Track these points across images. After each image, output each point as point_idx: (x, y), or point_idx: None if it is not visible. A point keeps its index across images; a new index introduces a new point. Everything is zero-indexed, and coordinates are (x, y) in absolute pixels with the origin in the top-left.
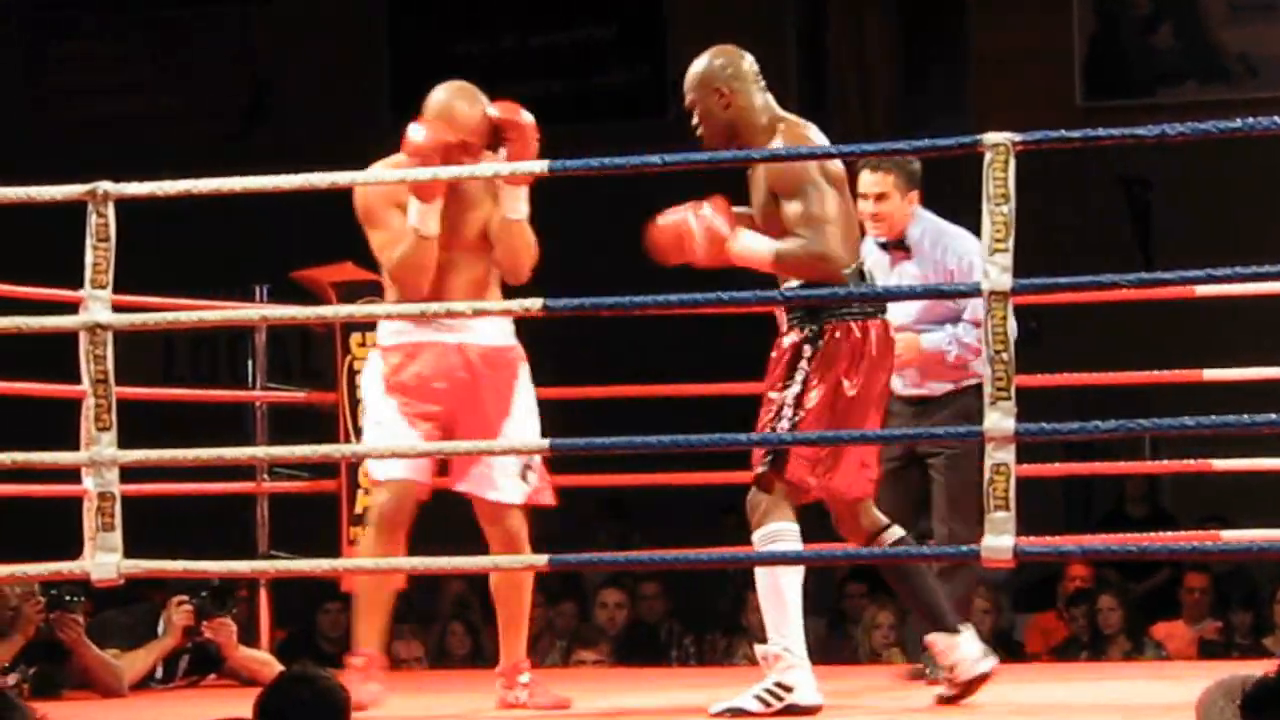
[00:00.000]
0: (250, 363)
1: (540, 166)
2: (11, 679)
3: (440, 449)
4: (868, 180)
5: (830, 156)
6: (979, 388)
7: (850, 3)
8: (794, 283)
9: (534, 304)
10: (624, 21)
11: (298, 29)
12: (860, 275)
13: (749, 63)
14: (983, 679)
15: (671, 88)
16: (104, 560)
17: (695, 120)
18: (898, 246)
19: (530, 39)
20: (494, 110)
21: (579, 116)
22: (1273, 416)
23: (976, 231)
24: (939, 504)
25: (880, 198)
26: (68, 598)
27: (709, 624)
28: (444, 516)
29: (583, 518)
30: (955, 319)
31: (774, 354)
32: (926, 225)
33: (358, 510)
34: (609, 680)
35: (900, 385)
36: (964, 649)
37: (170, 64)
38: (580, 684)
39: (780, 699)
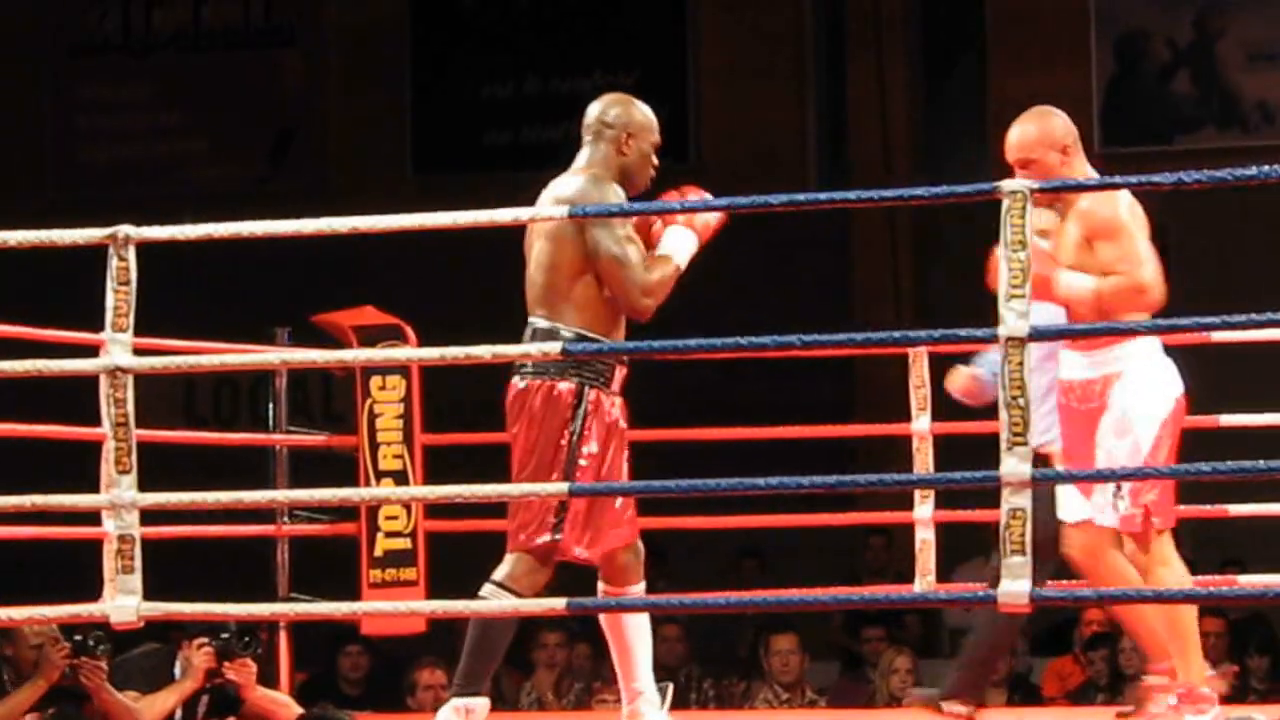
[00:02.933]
0: (271, 405)
1: (560, 211)
2: (29, 719)
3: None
4: None
5: (851, 205)
6: None
7: (871, 48)
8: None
9: (553, 348)
10: (646, 66)
11: (322, 74)
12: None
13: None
14: None
15: (693, 132)
16: (123, 603)
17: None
18: None
19: (553, 84)
20: None
21: None
22: None
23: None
24: None
25: None
26: (92, 643)
27: (728, 668)
28: (466, 558)
29: None
30: None
31: None
32: None
33: (378, 553)
34: None
35: None
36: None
37: (196, 108)
38: None
39: None
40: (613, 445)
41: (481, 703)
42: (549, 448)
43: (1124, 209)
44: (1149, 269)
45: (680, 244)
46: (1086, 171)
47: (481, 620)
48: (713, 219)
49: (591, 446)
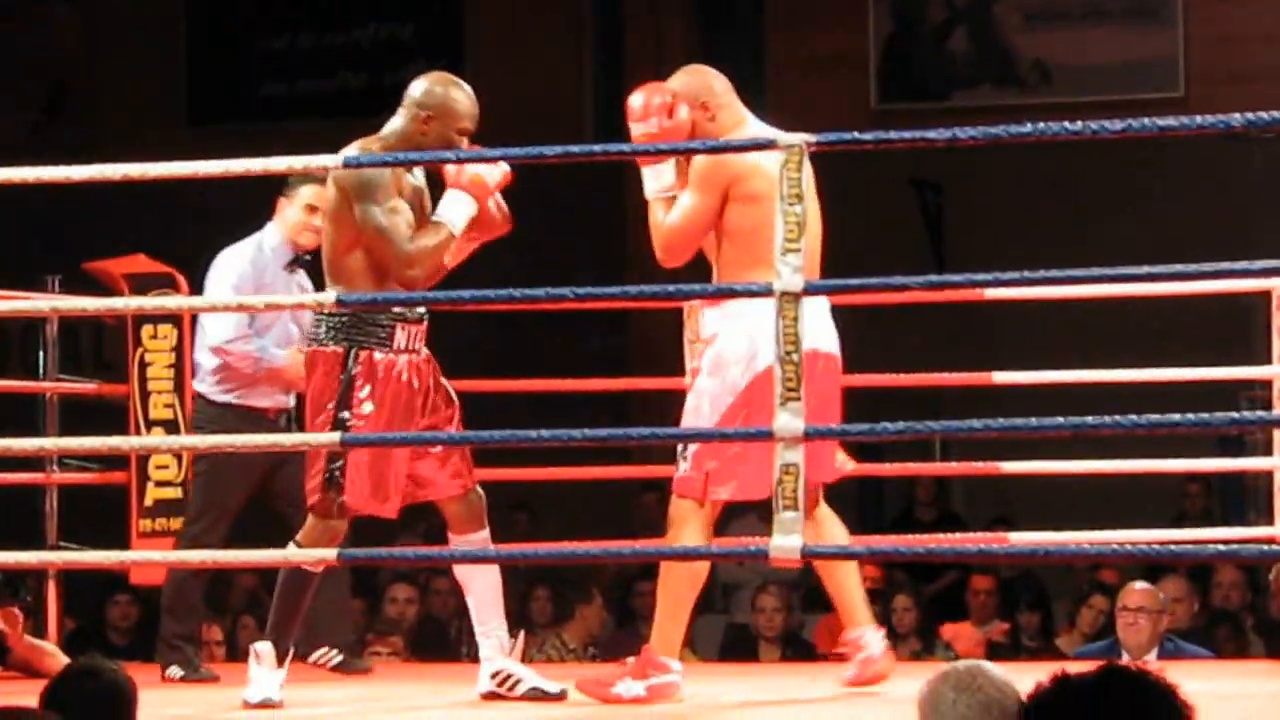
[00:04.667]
0: (41, 353)
1: (335, 160)
2: None
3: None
4: None
5: (626, 157)
6: None
7: (648, 5)
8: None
9: (327, 297)
10: (422, 20)
11: (96, 26)
12: None
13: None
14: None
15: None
16: None
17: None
18: None
19: (328, 36)
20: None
21: (377, 111)
22: (1060, 420)
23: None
24: None
25: None
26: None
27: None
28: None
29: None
30: None
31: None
32: None
33: (148, 503)
34: (405, 674)
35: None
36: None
37: None
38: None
39: None
40: (401, 404)
41: (267, 647)
42: (319, 411)
43: (706, 163)
44: (673, 225)
45: (452, 209)
46: (742, 126)
47: (283, 573)
48: (490, 176)
49: (366, 408)
